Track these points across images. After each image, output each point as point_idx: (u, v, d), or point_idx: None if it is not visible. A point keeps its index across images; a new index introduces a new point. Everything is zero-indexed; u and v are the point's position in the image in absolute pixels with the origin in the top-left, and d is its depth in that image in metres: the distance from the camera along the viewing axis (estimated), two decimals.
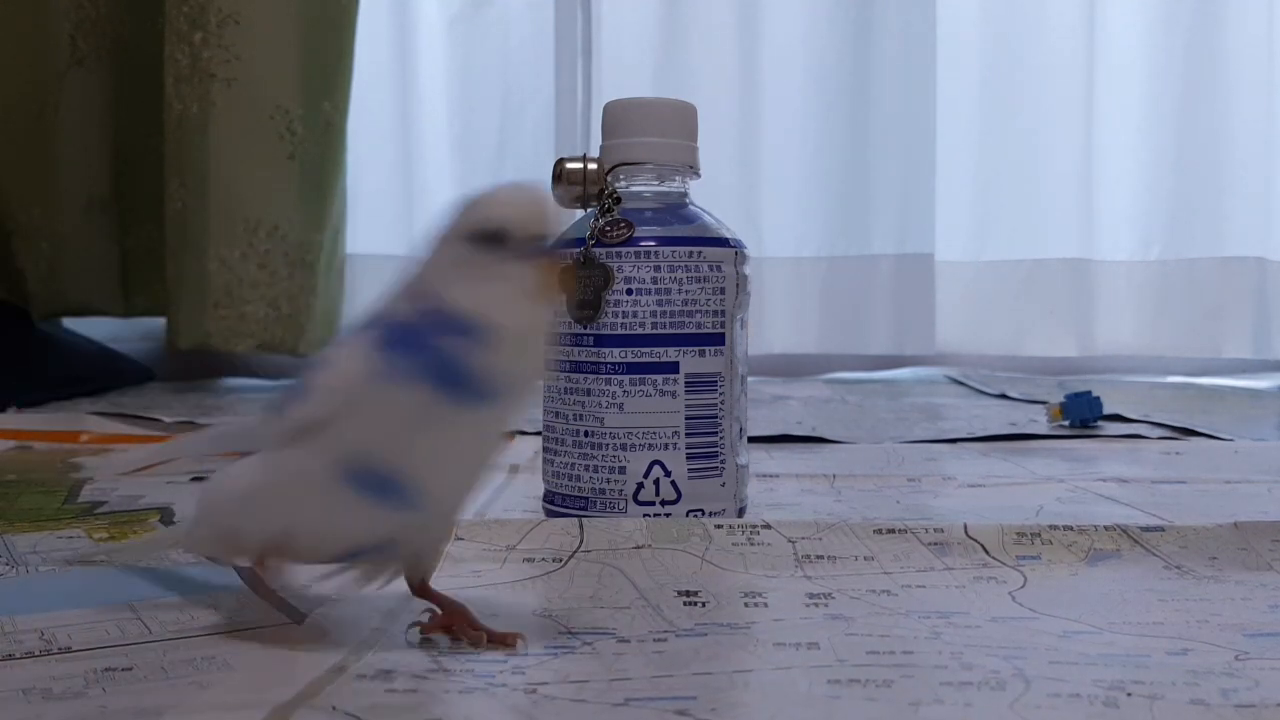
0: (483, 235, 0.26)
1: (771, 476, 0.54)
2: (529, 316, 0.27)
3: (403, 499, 0.27)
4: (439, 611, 0.29)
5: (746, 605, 0.32)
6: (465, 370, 0.26)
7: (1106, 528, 0.37)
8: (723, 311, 0.40)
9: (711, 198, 0.44)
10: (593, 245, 0.40)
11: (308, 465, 0.27)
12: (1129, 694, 0.25)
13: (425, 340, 0.26)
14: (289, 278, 0.98)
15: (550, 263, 0.27)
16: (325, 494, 0.27)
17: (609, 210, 0.41)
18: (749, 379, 0.43)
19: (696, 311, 0.40)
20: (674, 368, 0.40)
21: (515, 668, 0.27)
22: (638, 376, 0.40)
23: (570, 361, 0.41)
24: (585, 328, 0.40)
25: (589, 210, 0.42)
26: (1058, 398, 0.74)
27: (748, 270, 0.42)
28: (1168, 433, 0.69)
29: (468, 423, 0.27)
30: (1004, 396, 0.91)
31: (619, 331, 0.40)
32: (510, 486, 0.52)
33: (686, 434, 0.40)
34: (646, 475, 0.40)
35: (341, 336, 0.29)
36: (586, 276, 0.40)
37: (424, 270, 0.27)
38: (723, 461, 0.41)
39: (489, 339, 0.26)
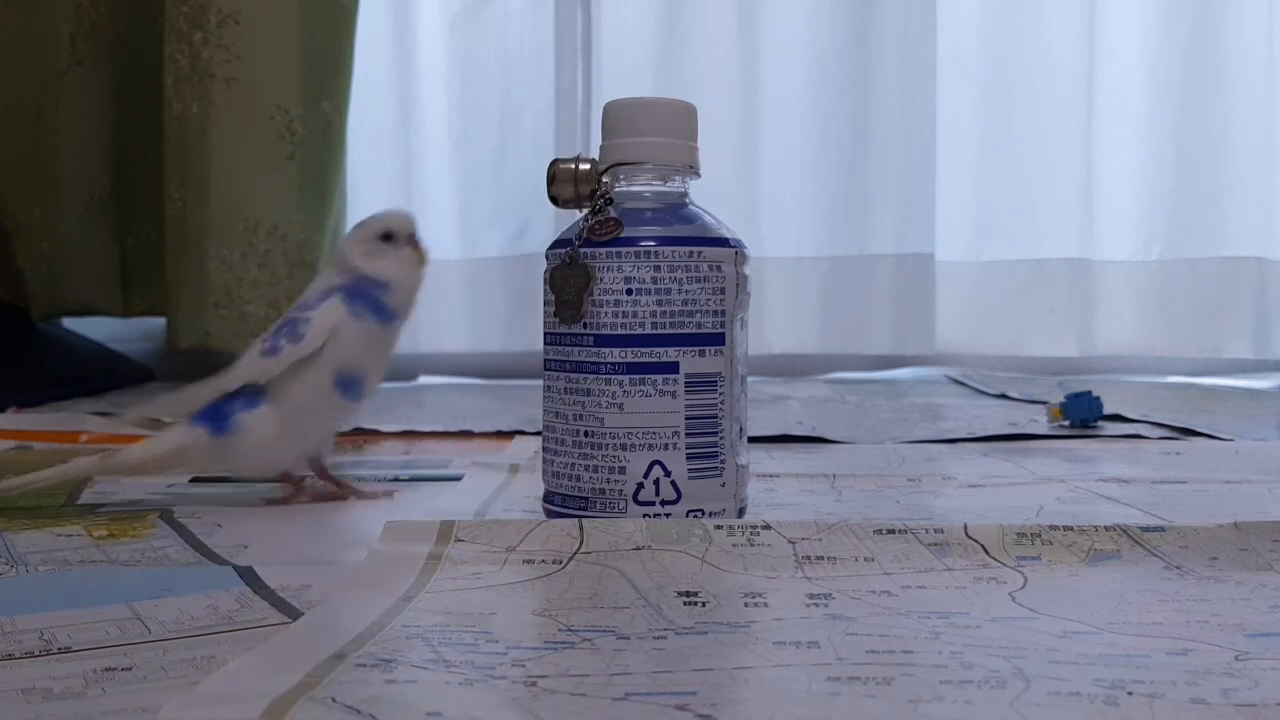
0: (381, 235, 0.48)
1: (771, 476, 0.54)
2: (408, 276, 0.48)
3: (361, 393, 0.48)
4: (334, 486, 0.49)
5: (746, 605, 0.32)
6: (386, 305, 0.47)
7: (1107, 528, 0.37)
8: (723, 311, 0.40)
9: (711, 198, 0.44)
10: (580, 245, 0.40)
11: (315, 381, 0.46)
12: (1129, 693, 0.25)
13: (364, 292, 0.47)
14: (289, 278, 0.98)
15: (415, 248, 0.49)
16: (327, 400, 0.47)
17: (599, 210, 0.41)
18: (749, 379, 0.43)
19: (696, 311, 0.40)
20: (674, 368, 0.40)
21: (516, 661, 0.27)
22: (638, 376, 0.40)
23: (570, 361, 0.41)
24: (584, 327, 0.40)
25: (584, 211, 0.42)
26: (1058, 398, 0.74)
27: (748, 270, 0.42)
28: (1168, 433, 0.69)
29: (386, 338, 0.48)
30: (1004, 396, 0.91)
31: (619, 331, 0.40)
32: (510, 486, 0.52)
33: (686, 434, 0.40)
34: (646, 475, 0.40)
35: (305, 301, 0.48)
36: (569, 276, 0.40)
37: (343, 259, 0.48)
38: (723, 461, 0.41)
39: (390, 289, 0.48)
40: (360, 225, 0.49)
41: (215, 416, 0.46)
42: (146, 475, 0.50)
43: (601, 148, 0.42)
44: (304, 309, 0.47)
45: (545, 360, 0.42)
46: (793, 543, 0.36)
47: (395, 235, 0.48)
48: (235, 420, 0.46)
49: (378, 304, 0.47)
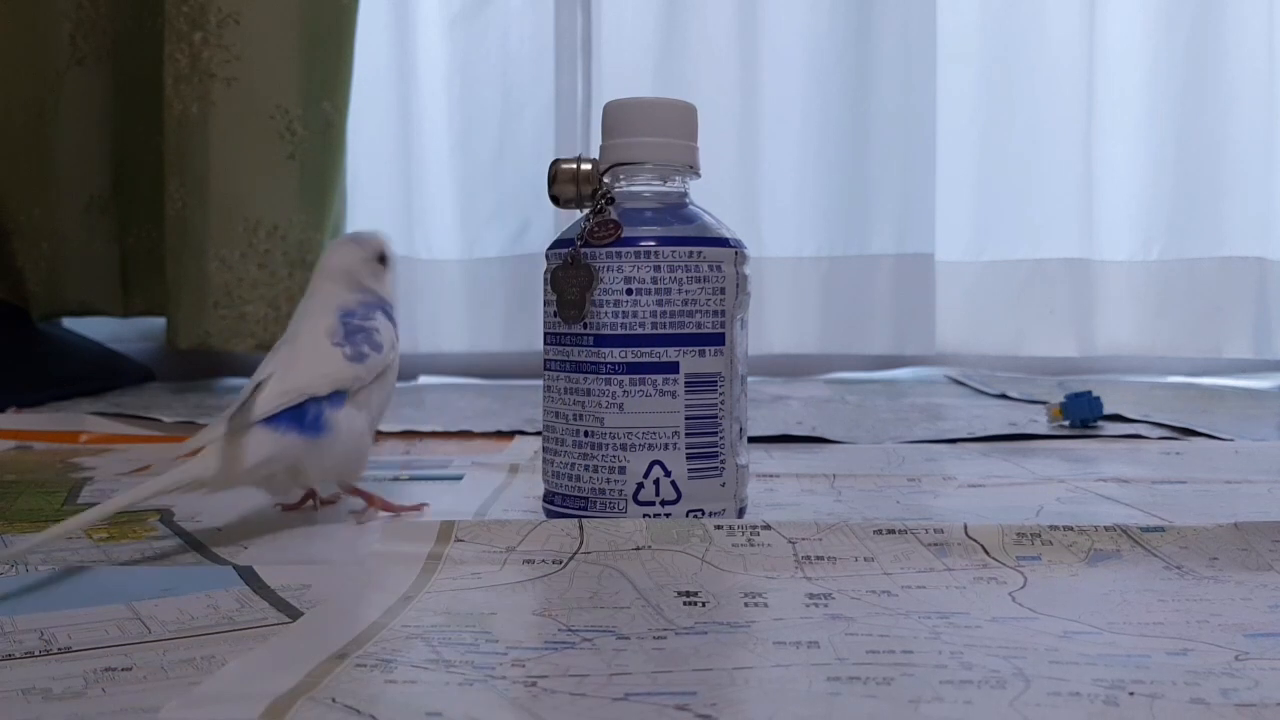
0: (379, 256, 0.48)
1: (771, 476, 0.54)
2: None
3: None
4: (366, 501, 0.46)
5: (746, 605, 0.32)
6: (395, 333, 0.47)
7: (1107, 528, 0.37)
8: (723, 311, 0.40)
9: (711, 198, 0.44)
10: (581, 246, 0.40)
11: (386, 393, 0.47)
12: (1130, 693, 0.25)
13: (392, 317, 0.47)
14: (289, 278, 0.98)
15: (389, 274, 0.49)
16: (381, 415, 0.47)
17: (601, 211, 0.41)
18: (749, 379, 0.43)
19: (696, 311, 0.40)
20: (674, 368, 0.40)
21: (516, 661, 0.27)
22: (638, 376, 0.40)
23: (570, 361, 0.41)
24: (584, 327, 0.40)
25: (585, 211, 0.42)
26: (1058, 398, 0.74)
27: (748, 270, 0.42)
28: (1168, 433, 0.69)
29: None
30: (1004, 396, 0.91)
31: (619, 331, 0.40)
32: (510, 486, 0.52)
33: (686, 434, 0.40)
34: (646, 475, 0.40)
35: (351, 310, 0.46)
36: (572, 276, 0.40)
37: (351, 275, 0.47)
38: (723, 461, 0.41)
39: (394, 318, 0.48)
40: (357, 242, 0.48)
41: (299, 421, 0.42)
42: (222, 489, 0.42)
43: (602, 148, 0.42)
44: (356, 318, 0.46)
45: (545, 360, 0.42)
46: (793, 543, 0.36)
47: (386, 260, 0.48)
48: (329, 420, 0.43)
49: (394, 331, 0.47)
